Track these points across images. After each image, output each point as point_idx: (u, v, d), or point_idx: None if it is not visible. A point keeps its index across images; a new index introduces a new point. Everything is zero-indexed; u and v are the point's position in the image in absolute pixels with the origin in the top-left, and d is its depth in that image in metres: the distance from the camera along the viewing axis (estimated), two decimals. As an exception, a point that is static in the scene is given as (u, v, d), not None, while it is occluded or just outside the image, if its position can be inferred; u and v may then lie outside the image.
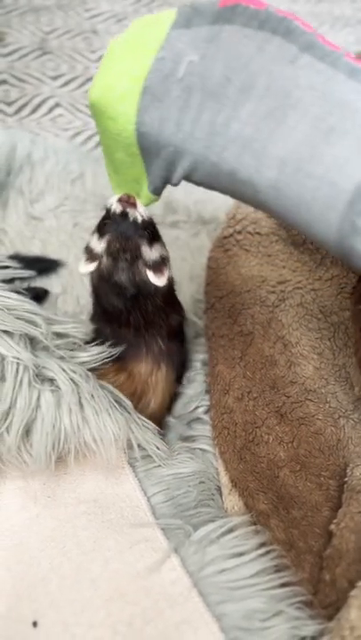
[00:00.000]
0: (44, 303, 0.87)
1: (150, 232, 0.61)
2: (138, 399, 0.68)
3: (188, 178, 0.49)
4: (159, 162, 0.48)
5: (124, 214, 0.59)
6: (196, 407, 0.74)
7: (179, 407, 0.75)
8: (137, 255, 0.60)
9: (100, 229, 0.62)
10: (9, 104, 1.25)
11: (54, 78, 1.32)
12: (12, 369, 0.59)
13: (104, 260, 0.61)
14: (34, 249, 0.93)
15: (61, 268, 0.92)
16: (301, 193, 0.39)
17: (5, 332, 0.60)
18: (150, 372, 0.69)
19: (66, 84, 1.31)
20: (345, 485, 0.60)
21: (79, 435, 0.60)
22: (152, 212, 0.62)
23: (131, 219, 0.59)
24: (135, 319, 0.65)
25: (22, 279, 0.85)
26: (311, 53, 0.39)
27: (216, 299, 0.78)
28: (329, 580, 0.52)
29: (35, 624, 0.50)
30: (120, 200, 0.59)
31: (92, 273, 0.64)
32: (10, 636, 0.50)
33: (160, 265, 0.63)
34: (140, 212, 0.59)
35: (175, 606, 0.50)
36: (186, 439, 0.71)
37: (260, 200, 0.43)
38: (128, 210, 0.58)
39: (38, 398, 0.60)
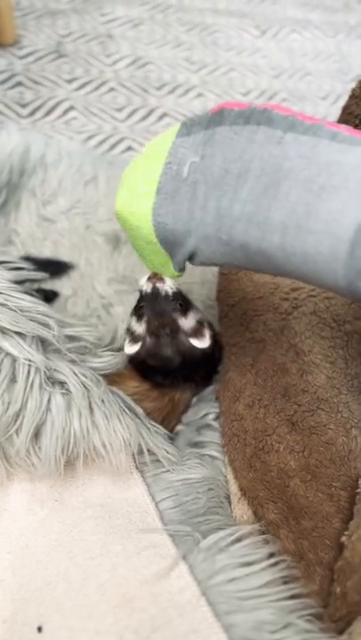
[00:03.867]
0: (52, 305, 0.86)
1: (181, 302, 0.67)
2: (166, 418, 0.71)
3: (209, 261, 0.54)
4: (180, 249, 0.54)
5: (154, 291, 0.65)
6: (206, 414, 0.73)
7: (188, 413, 0.74)
8: (176, 328, 0.66)
9: (138, 312, 0.68)
10: (23, 106, 1.25)
11: (69, 81, 1.32)
12: (23, 370, 0.59)
13: (147, 339, 0.67)
14: (45, 250, 0.93)
15: (72, 270, 0.92)
16: (306, 250, 0.43)
17: (18, 333, 0.60)
18: (188, 399, 0.73)
19: (81, 87, 1.32)
20: (357, 497, 0.59)
21: (88, 439, 0.60)
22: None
23: (162, 293, 0.65)
24: (188, 372, 0.70)
25: (33, 281, 0.85)
26: (294, 131, 0.44)
27: (229, 307, 0.77)
28: (340, 594, 0.51)
29: (40, 629, 0.50)
30: (149, 278, 0.66)
31: (137, 352, 0.68)
32: (15, 641, 0.49)
33: (199, 328, 0.69)
34: (168, 285, 0.66)
35: (184, 615, 0.49)
36: (195, 445, 0.71)
37: (275, 265, 0.47)
38: (157, 285, 0.65)
39: (49, 401, 0.60)
